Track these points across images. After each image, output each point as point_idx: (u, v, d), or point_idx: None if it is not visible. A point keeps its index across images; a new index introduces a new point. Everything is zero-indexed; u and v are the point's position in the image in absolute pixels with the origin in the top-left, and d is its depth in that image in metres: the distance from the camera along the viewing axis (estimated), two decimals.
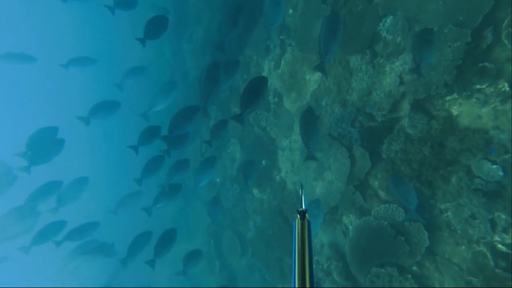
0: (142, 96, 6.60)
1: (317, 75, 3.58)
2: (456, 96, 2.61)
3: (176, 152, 5.85)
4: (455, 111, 2.67)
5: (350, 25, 3.18)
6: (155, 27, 3.51)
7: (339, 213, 3.51)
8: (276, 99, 4.42)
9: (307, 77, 3.79)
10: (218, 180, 5.84)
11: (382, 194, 3.12)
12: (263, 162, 4.79)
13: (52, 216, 4.97)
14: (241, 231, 5.35)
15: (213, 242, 5.86)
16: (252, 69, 4.89)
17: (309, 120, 2.65)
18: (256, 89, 2.66)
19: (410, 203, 2.47)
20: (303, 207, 0.68)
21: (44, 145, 4.40)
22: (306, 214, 0.63)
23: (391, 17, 2.88)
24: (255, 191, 5.03)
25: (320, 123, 3.16)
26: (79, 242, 5.20)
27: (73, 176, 5.20)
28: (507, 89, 2.42)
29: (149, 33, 3.50)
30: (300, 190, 0.81)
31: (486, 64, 2.46)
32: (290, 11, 3.93)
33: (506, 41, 2.41)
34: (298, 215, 0.63)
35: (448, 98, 2.66)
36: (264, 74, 4.49)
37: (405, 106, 2.90)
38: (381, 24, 2.95)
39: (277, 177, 4.61)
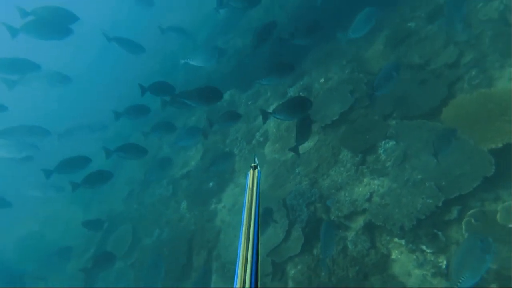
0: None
1: (307, 144, 3.60)
2: (403, 243, 2.64)
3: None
4: (394, 255, 2.68)
5: (359, 126, 3.32)
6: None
7: None
8: (261, 139, 4.36)
9: None
10: None
11: (290, 284, 2.93)
12: (211, 184, 4.51)
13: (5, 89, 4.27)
14: (141, 234, 4.77)
15: (107, 226, 5.14)
16: (260, 101, 4.90)
17: (307, 122, 2.89)
18: (297, 104, 2.79)
19: (325, 251, 2.58)
20: (256, 163, 0.83)
21: (52, 22, 3.97)
22: (257, 168, 0.80)
23: (394, 142, 3.04)
24: (183, 204, 4.63)
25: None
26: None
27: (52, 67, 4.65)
28: (444, 267, 2.50)
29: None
30: (254, 154, 1.00)
31: (440, 234, 2.56)
32: (322, 80, 4.12)
33: (463, 227, 2.56)
34: (251, 168, 0.79)
35: (396, 240, 2.70)
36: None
37: (359, 222, 2.89)
38: (383, 143, 3.10)
39: (212, 206, 4.30)
